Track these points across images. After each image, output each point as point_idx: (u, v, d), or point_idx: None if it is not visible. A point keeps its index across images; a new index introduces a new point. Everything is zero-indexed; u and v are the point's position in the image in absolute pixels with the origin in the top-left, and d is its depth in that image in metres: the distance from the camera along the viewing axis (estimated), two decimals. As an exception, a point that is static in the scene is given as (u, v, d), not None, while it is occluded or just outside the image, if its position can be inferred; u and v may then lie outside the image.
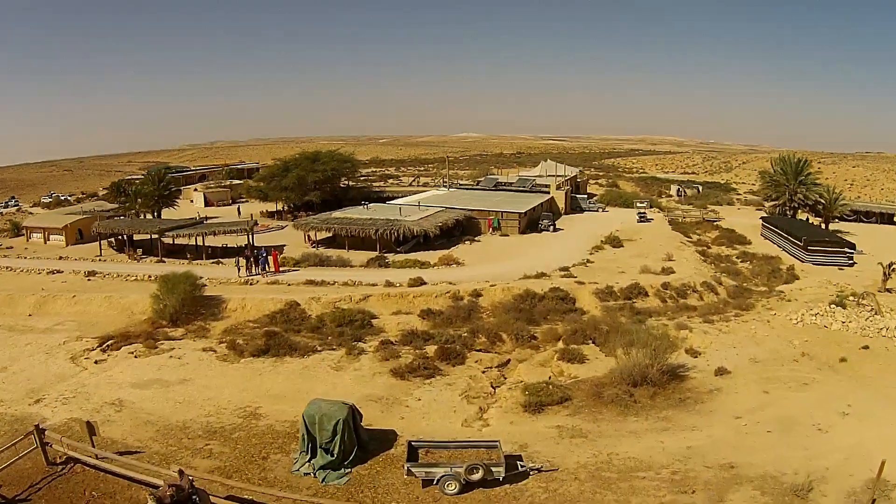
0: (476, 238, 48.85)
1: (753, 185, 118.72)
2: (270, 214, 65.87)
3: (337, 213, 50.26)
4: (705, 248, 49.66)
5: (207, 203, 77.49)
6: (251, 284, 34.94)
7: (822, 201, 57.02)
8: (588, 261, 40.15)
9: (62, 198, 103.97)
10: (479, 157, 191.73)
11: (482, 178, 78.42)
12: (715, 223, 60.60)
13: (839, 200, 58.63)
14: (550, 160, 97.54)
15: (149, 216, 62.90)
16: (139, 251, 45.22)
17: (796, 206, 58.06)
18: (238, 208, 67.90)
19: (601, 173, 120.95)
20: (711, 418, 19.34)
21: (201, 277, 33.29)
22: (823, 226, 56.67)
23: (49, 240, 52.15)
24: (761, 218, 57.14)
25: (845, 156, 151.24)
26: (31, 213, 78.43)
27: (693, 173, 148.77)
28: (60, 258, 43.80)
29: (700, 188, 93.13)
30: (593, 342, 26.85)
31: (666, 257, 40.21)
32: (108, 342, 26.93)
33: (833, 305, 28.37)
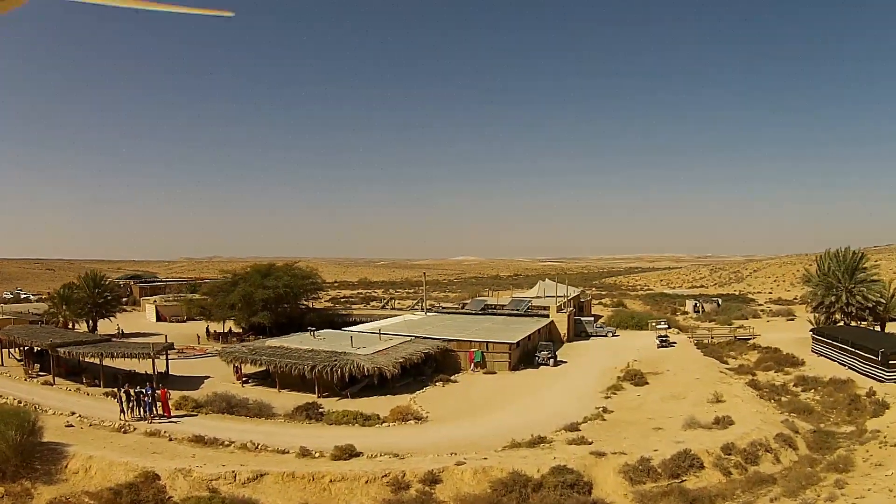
0: (452, 377, 37.34)
1: (770, 293, 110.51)
2: (217, 336, 56.23)
3: (272, 342, 40.02)
4: (751, 375, 39.26)
5: (160, 317, 70.74)
6: (125, 432, 26.19)
7: (883, 301, 46.76)
8: (605, 410, 28.25)
9: (23, 296, 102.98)
10: (475, 280, 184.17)
11: (468, 301, 67.95)
12: (750, 341, 51.35)
13: None
14: (549, 280, 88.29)
15: (81, 326, 56.59)
16: (37, 366, 39.64)
17: (853, 310, 47.44)
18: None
19: (604, 292, 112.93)
20: None
21: (73, 414, 27.71)
22: (878, 330, 46.98)
23: (-31, 340, 48.31)
24: (812, 330, 46.52)
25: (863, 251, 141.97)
26: (-14, 307, 77.22)
27: (702, 286, 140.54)
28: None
29: (719, 302, 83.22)
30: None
31: (713, 398, 28.55)
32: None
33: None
